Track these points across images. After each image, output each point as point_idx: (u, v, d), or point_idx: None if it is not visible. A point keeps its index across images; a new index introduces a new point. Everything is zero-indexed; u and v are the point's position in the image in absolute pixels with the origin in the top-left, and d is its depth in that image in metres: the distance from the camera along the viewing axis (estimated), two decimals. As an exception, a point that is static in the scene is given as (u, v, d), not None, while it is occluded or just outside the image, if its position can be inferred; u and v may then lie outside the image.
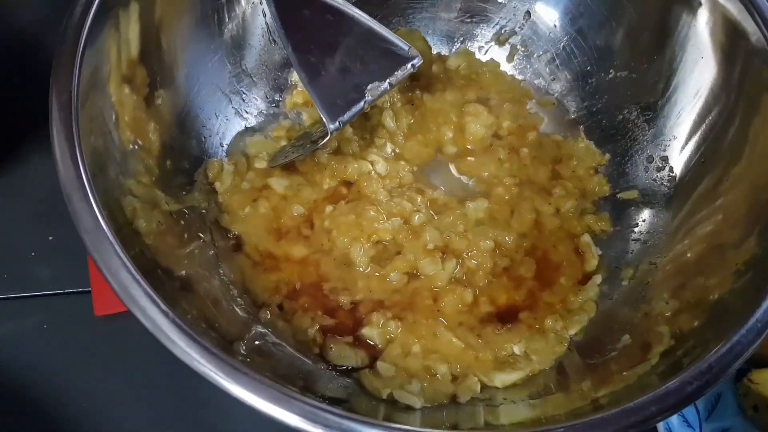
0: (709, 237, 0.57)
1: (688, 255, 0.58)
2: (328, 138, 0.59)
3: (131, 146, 0.51)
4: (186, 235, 0.56)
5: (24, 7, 0.71)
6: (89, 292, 0.61)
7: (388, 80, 0.59)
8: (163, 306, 0.40)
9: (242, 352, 0.48)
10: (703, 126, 0.60)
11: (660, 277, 0.60)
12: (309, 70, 0.57)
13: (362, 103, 0.59)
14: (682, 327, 0.53)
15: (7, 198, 0.64)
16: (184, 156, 0.61)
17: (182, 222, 0.57)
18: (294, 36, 0.57)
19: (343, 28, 0.58)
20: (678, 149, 0.63)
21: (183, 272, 0.51)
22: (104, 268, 0.40)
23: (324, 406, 0.40)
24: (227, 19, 0.63)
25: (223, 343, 0.47)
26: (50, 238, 0.63)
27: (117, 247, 0.41)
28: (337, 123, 0.58)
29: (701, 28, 0.58)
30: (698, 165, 0.61)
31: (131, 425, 0.58)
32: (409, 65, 0.60)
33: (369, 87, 0.59)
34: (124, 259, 0.41)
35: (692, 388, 0.44)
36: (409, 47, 0.61)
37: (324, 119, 0.57)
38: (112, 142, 0.49)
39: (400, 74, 0.60)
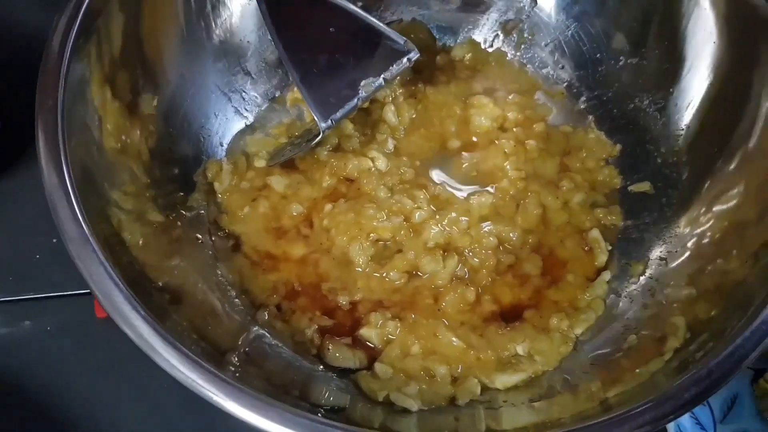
0: (728, 215, 0.55)
1: (706, 239, 0.56)
2: (320, 137, 0.58)
3: (118, 154, 0.51)
4: (179, 243, 0.55)
5: (32, 12, 0.72)
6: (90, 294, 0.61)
7: (382, 76, 0.58)
8: (145, 313, 0.40)
9: (235, 362, 0.47)
10: (716, 112, 0.58)
11: (673, 269, 0.58)
12: (300, 68, 0.56)
13: (356, 100, 0.58)
14: (698, 316, 0.51)
15: (12, 201, 0.65)
16: (177, 161, 0.60)
17: (175, 229, 0.56)
18: (285, 33, 0.56)
19: (336, 23, 0.57)
20: (690, 138, 0.61)
21: (173, 283, 0.50)
22: (87, 276, 0.40)
23: (327, 421, 0.39)
24: (214, 25, 0.62)
25: (215, 355, 0.46)
26: (54, 240, 0.63)
27: (100, 256, 0.41)
28: (330, 121, 0.57)
29: (708, 7, 0.56)
30: (712, 153, 0.58)
31: (132, 427, 0.58)
32: (404, 60, 0.59)
33: (363, 83, 0.58)
34: (108, 267, 0.41)
35: (705, 385, 0.42)
36: (405, 41, 0.59)
37: (316, 118, 0.56)
38: (97, 150, 0.48)
39: (395, 69, 0.58)
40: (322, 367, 0.55)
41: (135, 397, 0.59)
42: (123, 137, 0.52)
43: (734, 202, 0.55)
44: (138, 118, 0.54)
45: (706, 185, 0.58)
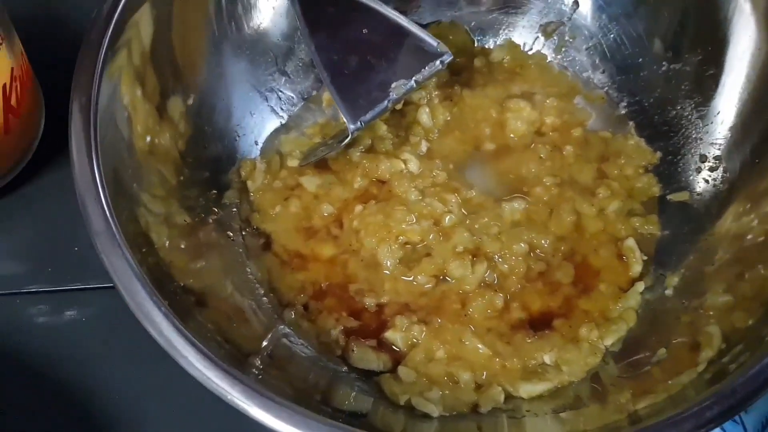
0: None
1: (746, 244, 0.55)
2: (348, 139, 0.58)
3: (148, 155, 0.52)
4: (207, 244, 0.56)
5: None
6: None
7: (414, 78, 0.57)
8: (167, 310, 0.41)
9: (258, 365, 0.47)
10: (758, 120, 0.55)
11: (709, 278, 0.56)
12: (331, 69, 0.56)
13: (386, 102, 0.57)
14: (735, 325, 0.50)
15: (54, 192, 0.67)
16: (211, 159, 0.61)
17: (203, 231, 0.57)
18: (318, 34, 0.56)
19: (369, 25, 0.56)
20: (733, 147, 0.59)
21: (199, 285, 0.51)
22: (112, 271, 0.41)
23: (348, 428, 0.40)
24: (247, 27, 0.63)
25: (238, 357, 0.47)
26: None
27: (125, 251, 0.42)
28: (359, 123, 0.56)
29: (749, 11, 0.54)
30: (753, 164, 0.56)
31: (167, 419, 0.59)
32: (437, 62, 0.58)
33: (394, 85, 0.58)
34: (132, 263, 0.41)
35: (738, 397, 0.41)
36: (438, 43, 0.59)
37: (345, 119, 0.56)
38: (128, 150, 0.49)
39: (427, 72, 0.58)
40: (345, 368, 0.56)
41: (167, 388, 0.60)
42: (154, 137, 0.53)
43: None
44: (169, 117, 0.55)
45: (747, 193, 0.56)
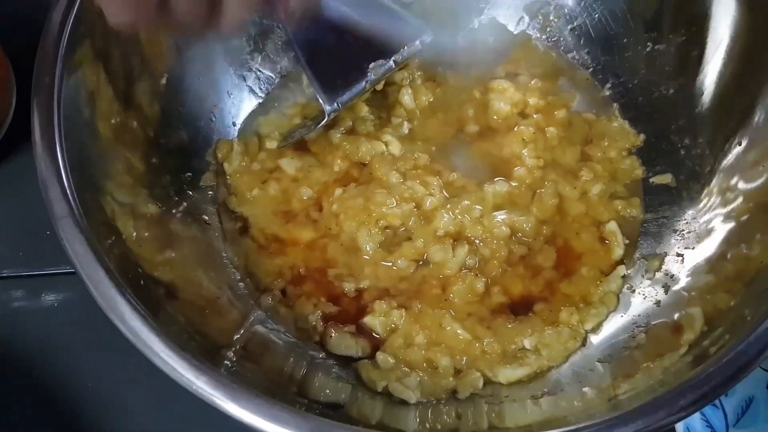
0: (753, 196, 0.53)
1: (729, 223, 0.54)
2: (325, 120, 0.56)
3: (116, 137, 0.50)
4: (178, 233, 0.54)
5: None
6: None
7: (393, 58, 0.56)
8: (133, 300, 0.40)
9: (231, 358, 0.46)
10: (742, 104, 0.55)
11: (691, 261, 0.56)
12: (308, 49, 0.55)
13: (364, 83, 0.56)
14: (717, 306, 0.49)
15: (23, 177, 0.65)
16: (186, 141, 0.60)
17: (176, 218, 0.55)
18: (294, 13, 0.55)
19: (347, 3, 0.55)
20: (716, 130, 0.58)
21: (170, 277, 0.49)
22: (74, 258, 0.40)
23: (325, 420, 0.39)
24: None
25: (211, 350, 0.46)
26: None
27: (89, 237, 0.40)
28: (336, 104, 0.55)
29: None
30: (736, 147, 0.55)
31: (141, 406, 0.58)
32: (417, 42, 0.57)
33: (372, 66, 0.56)
34: (96, 249, 0.40)
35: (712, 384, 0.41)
36: (418, 22, 0.57)
37: (321, 100, 0.55)
38: (93, 133, 0.48)
39: (406, 52, 0.57)
40: (323, 354, 0.55)
41: (142, 376, 0.59)
42: (120, 121, 0.51)
43: (760, 181, 0.53)
44: (136, 100, 0.54)
45: (730, 174, 0.56)
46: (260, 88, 0.67)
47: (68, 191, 0.41)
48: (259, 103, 0.67)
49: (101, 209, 0.45)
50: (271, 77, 0.68)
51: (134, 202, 0.50)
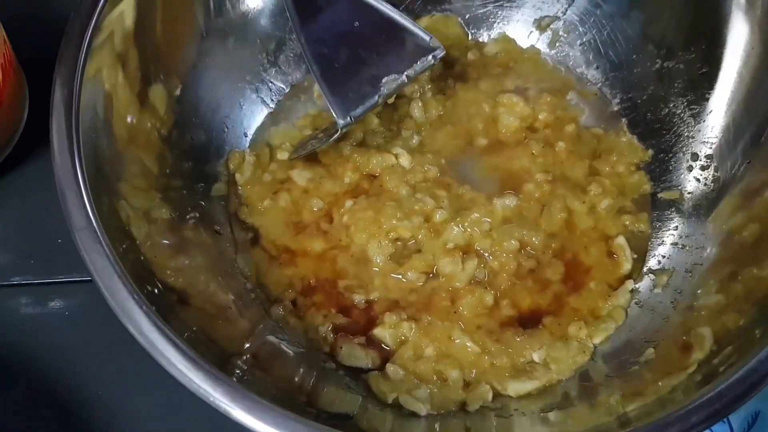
0: (763, 217, 0.53)
1: (739, 245, 0.55)
2: (337, 134, 0.57)
3: (130, 145, 0.51)
4: (191, 241, 0.55)
5: None
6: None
7: (405, 73, 0.56)
8: (148, 309, 0.40)
9: (242, 366, 0.46)
10: (752, 123, 0.55)
11: (700, 278, 0.56)
12: (321, 62, 0.55)
13: (376, 97, 0.57)
14: (726, 326, 0.50)
15: (36, 184, 0.65)
16: (198, 152, 0.60)
17: (189, 224, 0.56)
18: (308, 26, 0.55)
19: (360, 18, 0.55)
20: (724, 146, 0.58)
21: (182, 283, 0.50)
22: (93, 269, 0.40)
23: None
24: (236, 17, 0.62)
25: (222, 358, 0.46)
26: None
27: (106, 248, 0.41)
28: (349, 118, 0.56)
29: (744, 10, 0.53)
30: (744, 164, 0.56)
31: (150, 414, 0.58)
32: (429, 57, 0.57)
33: (384, 80, 0.57)
34: (113, 260, 0.41)
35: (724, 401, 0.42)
36: (431, 37, 0.58)
37: (334, 114, 0.55)
38: (110, 141, 0.48)
39: (419, 66, 0.57)
40: (333, 365, 0.55)
41: (151, 382, 0.59)
42: (136, 124, 0.52)
43: None
44: (152, 105, 0.54)
45: (738, 192, 0.56)
46: (272, 99, 0.67)
47: (86, 202, 0.42)
48: (271, 114, 0.67)
49: (116, 215, 0.46)
50: (283, 89, 0.68)
51: (148, 207, 0.50)
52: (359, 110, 0.56)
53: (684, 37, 0.61)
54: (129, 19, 0.51)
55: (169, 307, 0.45)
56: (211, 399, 0.38)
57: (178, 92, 0.58)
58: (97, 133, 0.47)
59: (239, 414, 0.38)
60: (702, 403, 0.41)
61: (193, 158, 0.60)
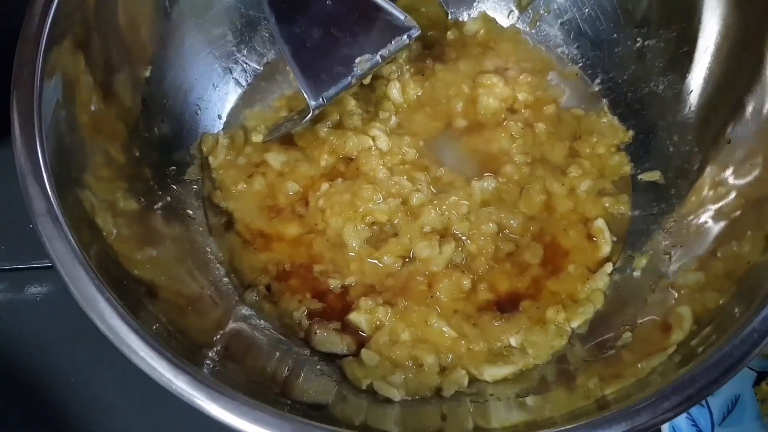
0: (745, 192, 0.52)
1: (720, 221, 0.54)
2: (309, 116, 0.56)
3: (96, 131, 0.49)
4: (161, 231, 0.54)
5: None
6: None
7: (379, 53, 0.55)
8: (110, 295, 0.39)
9: (213, 357, 0.45)
10: (731, 101, 0.54)
11: (679, 258, 0.55)
12: (292, 42, 0.54)
13: (350, 77, 0.55)
14: (706, 305, 0.49)
15: (2, 172, 0.64)
16: (171, 134, 0.59)
17: (158, 214, 0.54)
18: (278, 5, 0.54)
19: (333, -4, 0.54)
20: (705, 127, 0.57)
21: (150, 275, 0.49)
22: (54, 255, 0.39)
23: (307, 422, 0.39)
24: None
25: (192, 349, 0.45)
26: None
27: (68, 234, 0.40)
28: (321, 99, 0.54)
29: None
30: (725, 144, 0.55)
31: (123, 402, 0.58)
32: (404, 36, 0.56)
33: (358, 60, 0.56)
34: (75, 246, 0.39)
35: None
36: (406, 16, 0.56)
37: (306, 95, 0.54)
38: (73, 127, 0.47)
39: (393, 46, 0.56)
40: (308, 351, 0.54)
41: (123, 370, 0.58)
42: (99, 112, 0.50)
43: (749, 178, 0.53)
44: (117, 91, 0.53)
45: (718, 171, 0.55)
46: (246, 81, 0.66)
47: (47, 187, 0.41)
48: (245, 95, 0.66)
49: (81, 205, 0.44)
50: (258, 69, 0.67)
51: (114, 198, 0.49)
52: (332, 91, 0.55)
53: (663, 15, 0.60)
54: (90, 4, 0.49)
55: (137, 298, 0.44)
56: (173, 387, 0.37)
57: (147, 74, 0.56)
58: (59, 121, 0.45)
59: (204, 403, 0.37)
60: (676, 388, 0.40)
61: (165, 142, 0.59)
